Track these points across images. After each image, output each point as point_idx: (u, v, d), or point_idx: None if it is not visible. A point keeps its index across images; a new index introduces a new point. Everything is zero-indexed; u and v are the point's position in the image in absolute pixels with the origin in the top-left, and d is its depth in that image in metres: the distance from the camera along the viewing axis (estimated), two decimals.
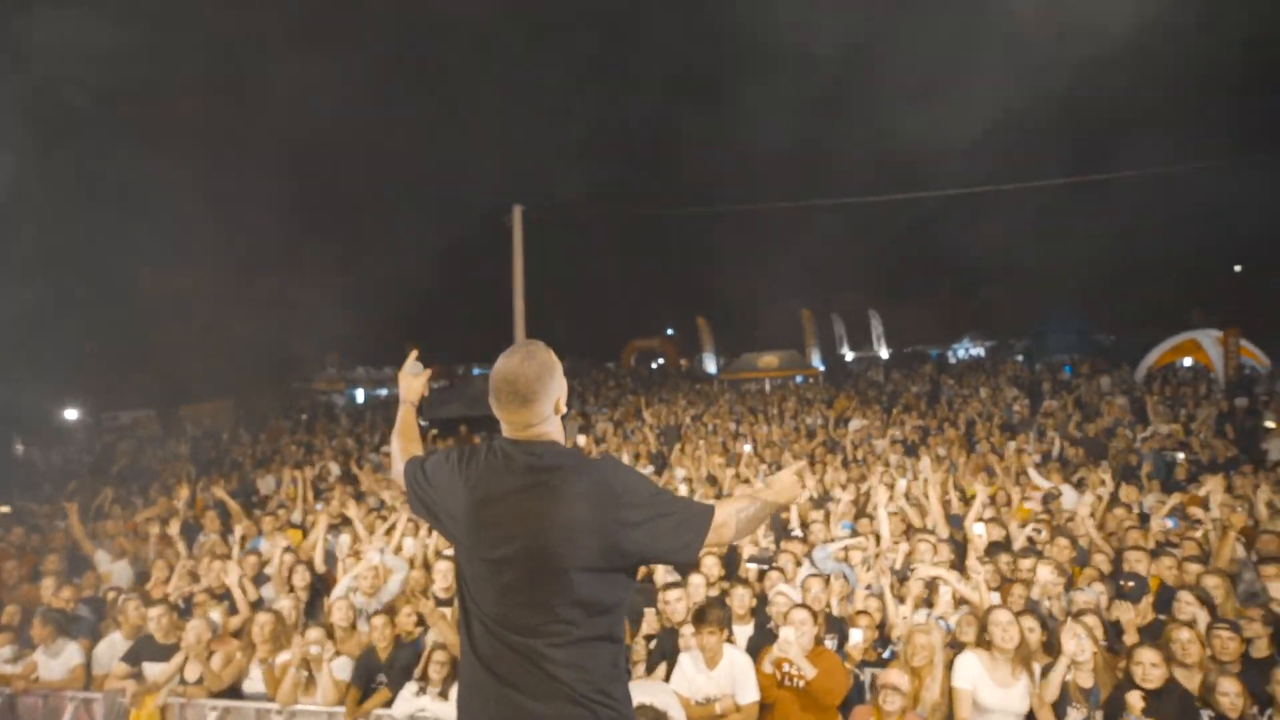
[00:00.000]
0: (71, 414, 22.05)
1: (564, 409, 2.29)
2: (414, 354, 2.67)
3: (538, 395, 2.19)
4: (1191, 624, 4.46)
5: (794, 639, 4.33)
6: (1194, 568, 5.66)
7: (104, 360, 23.58)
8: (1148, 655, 4.07)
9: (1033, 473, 9.62)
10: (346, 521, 8.32)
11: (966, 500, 8.95)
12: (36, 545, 8.78)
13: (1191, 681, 4.16)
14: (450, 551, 6.59)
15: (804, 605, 4.73)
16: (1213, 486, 7.61)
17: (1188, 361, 22.92)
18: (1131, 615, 4.99)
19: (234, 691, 5.40)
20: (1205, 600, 4.94)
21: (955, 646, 4.86)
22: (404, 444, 2.73)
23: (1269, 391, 17.27)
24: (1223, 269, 40.68)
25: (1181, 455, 11.98)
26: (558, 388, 2.26)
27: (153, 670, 5.50)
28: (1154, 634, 4.59)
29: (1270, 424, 13.77)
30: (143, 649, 5.62)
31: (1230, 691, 3.94)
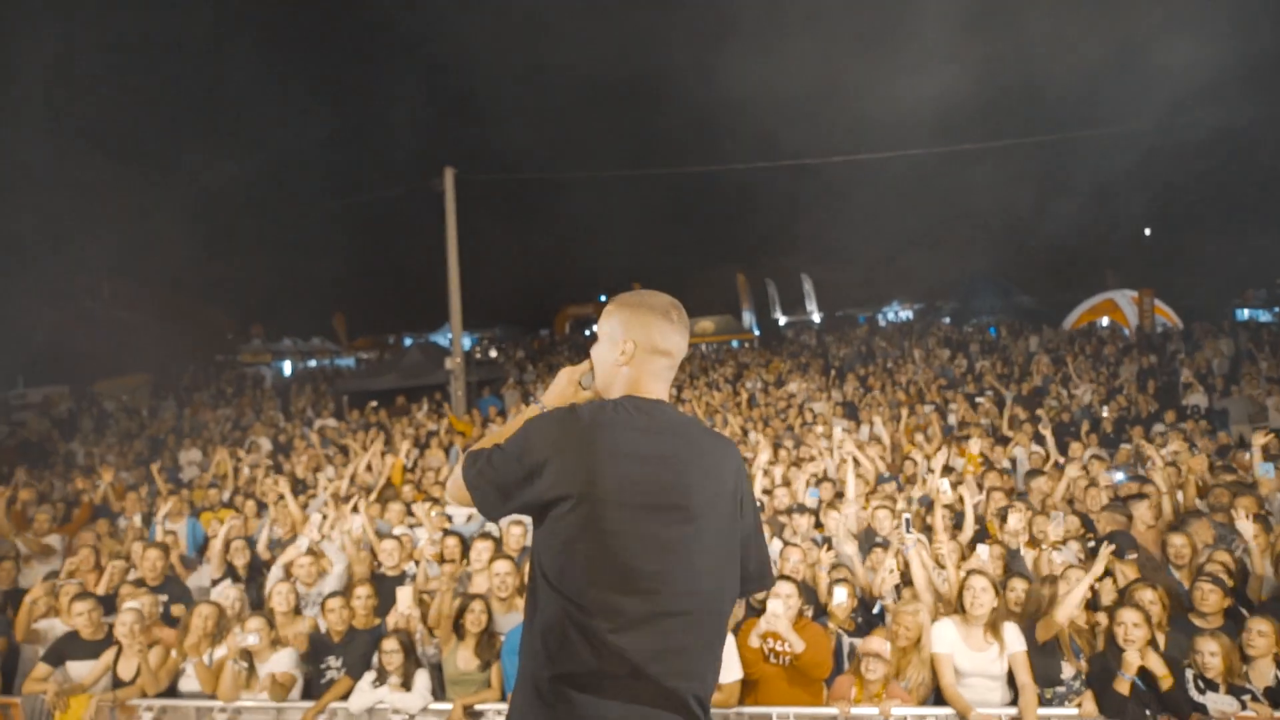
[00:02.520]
0: None
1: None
2: (588, 365, 2.09)
3: None
4: (1154, 585, 4.52)
5: (782, 612, 4.21)
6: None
7: (7, 336, 22.09)
8: (1130, 615, 4.08)
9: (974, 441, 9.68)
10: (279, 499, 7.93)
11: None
12: None
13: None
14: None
15: (787, 577, 4.61)
16: (1172, 439, 7.84)
17: (1105, 321, 23.85)
18: (1134, 574, 5.03)
19: (170, 689, 5.03)
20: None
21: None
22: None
23: (1181, 349, 18.02)
24: (1134, 232, 42.34)
25: (1106, 411, 12.39)
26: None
27: (79, 670, 5.08)
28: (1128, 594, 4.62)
29: (1188, 379, 14.36)
30: (66, 647, 5.18)
31: (1209, 650, 4.01)
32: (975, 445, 8.94)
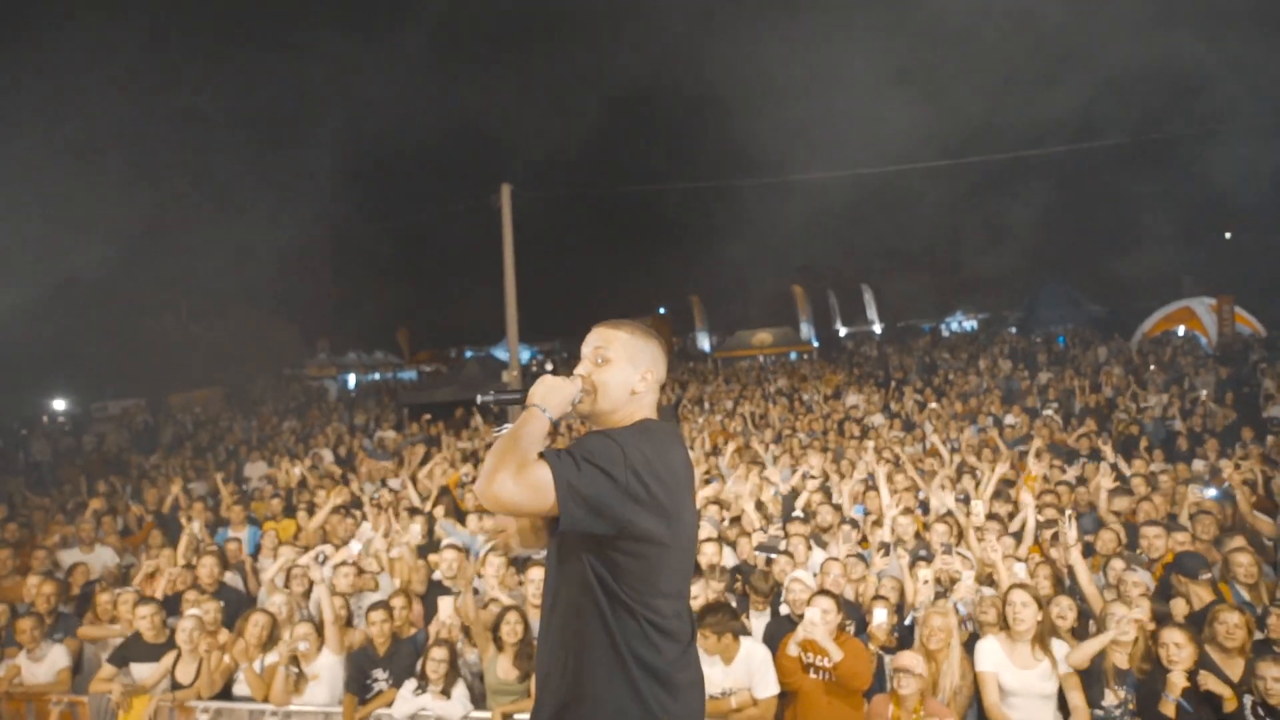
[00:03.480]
0: (60, 404, 21.70)
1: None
2: (581, 383, 2.11)
3: None
4: (1239, 608, 4.30)
5: (819, 620, 4.16)
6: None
7: (91, 350, 23.23)
8: (1173, 636, 3.91)
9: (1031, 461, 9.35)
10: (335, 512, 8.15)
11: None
12: (25, 540, 8.53)
13: (1232, 667, 4.01)
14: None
15: (826, 591, 4.54)
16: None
17: (1181, 330, 22.86)
18: (1209, 595, 4.82)
19: (225, 692, 5.20)
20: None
21: (974, 629, 4.71)
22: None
23: (1264, 358, 17.15)
24: (1214, 236, 40.58)
25: (1179, 424, 11.88)
26: None
27: (141, 671, 5.30)
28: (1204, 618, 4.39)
29: (1271, 389, 13.67)
30: (130, 649, 5.42)
31: (1272, 676, 3.80)
32: (1035, 465, 8.62)
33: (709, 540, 5.92)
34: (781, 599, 5.27)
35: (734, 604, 5.12)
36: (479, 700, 4.83)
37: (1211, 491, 7.49)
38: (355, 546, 6.29)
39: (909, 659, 4.20)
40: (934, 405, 14.14)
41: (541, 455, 1.86)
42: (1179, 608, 4.82)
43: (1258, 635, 4.37)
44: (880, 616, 4.88)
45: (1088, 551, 5.97)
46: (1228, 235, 40.64)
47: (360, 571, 6.15)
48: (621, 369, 2.08)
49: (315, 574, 5.38)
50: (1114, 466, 8.53)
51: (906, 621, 5.21)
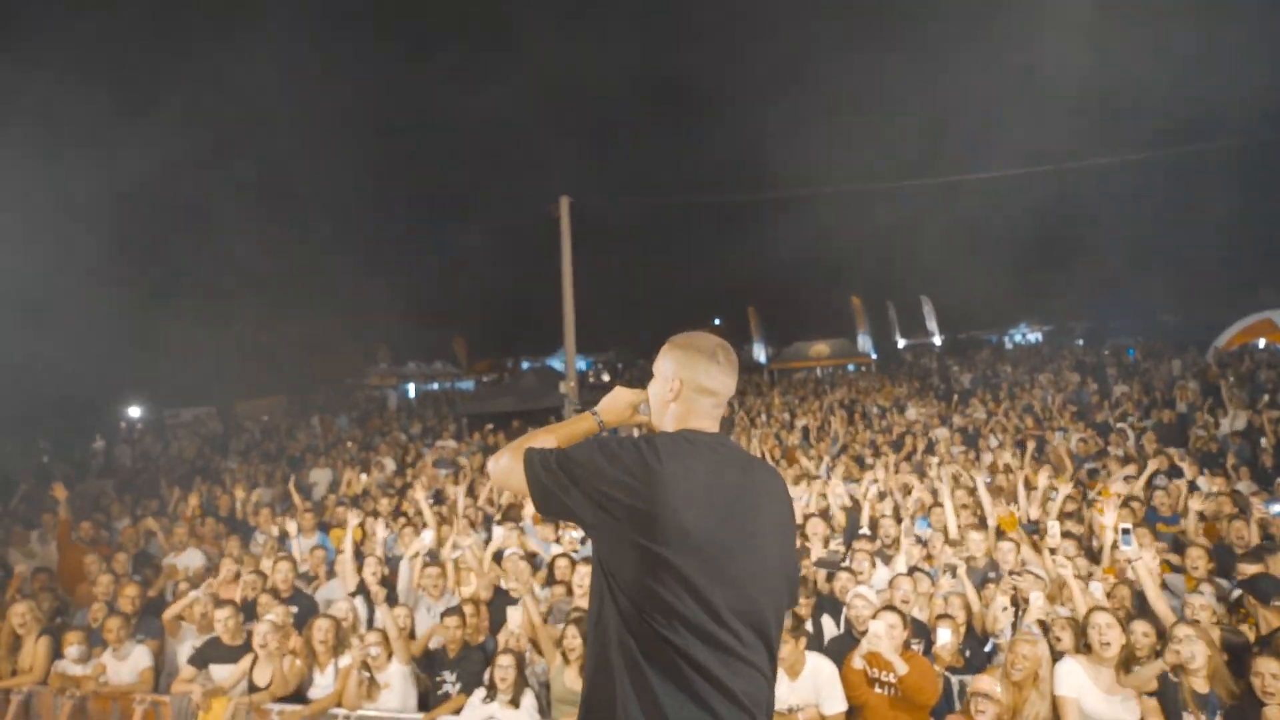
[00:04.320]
0: (135, 411, 22.59)
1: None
2: (646, 395, 2.25)
3: None
4: None
5: (883, 632, 4.11)
6: None
7: (162, 360, 24.14)
8: (1269, 666, 3.74)
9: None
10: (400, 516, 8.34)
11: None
12: (107, 541, 8.89)
13: None
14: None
15: (891, 607, 4.48)
16: None
17: (1261, 343, 21.90)
18: (1278, 622, 4.62)
19: (298, 696, 5.35)
20: None
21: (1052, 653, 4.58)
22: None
23: None
24: None
25: (1263, 441, 11.39)
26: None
27: (220, 673, 5.48)
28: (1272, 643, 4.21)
29: None
30: (209, 651, 5.61)
31: None
32: (1115, 483, 8.34)
33: None
34: (842, 614, 5.22)
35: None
36: (546, 710, 4.87)
37: (1276, 508, 7.18)
38: (427, 535, 6.44)
39: (986, 683, 4.10)
40: (999, 418, 13.82)
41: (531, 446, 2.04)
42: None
43: None
44: (945, 636, 4.79)
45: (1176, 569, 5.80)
46: None
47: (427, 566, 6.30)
48: (656, 382, 2.15)
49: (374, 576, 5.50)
50: (1193, 485, 8.24)
51: (987, 648, 5.09)
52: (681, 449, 1.94)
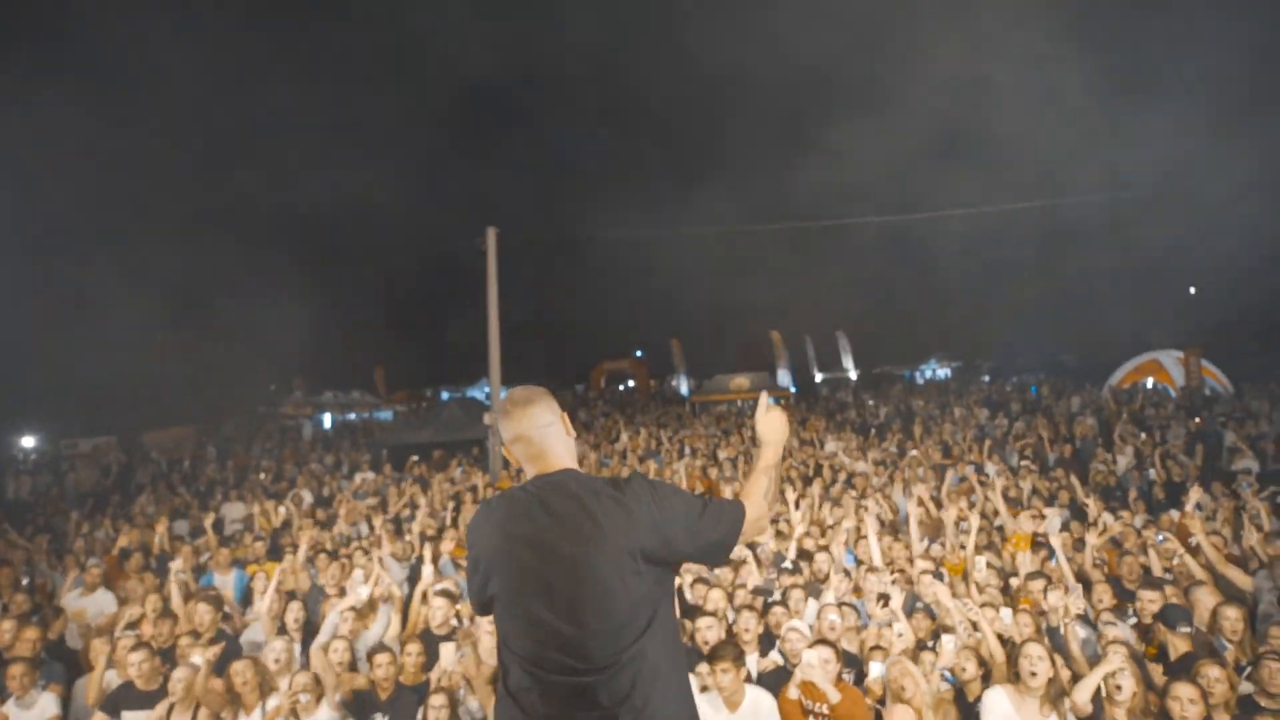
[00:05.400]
0: (29, 441, 21.26)
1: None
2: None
3: None
4: (1222, 662, 4.39)
5: (816, 662, 4.23)
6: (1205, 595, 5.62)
7: (59, 387, 22.90)
8: (1185, 691, 3.98)
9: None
10: (321, 554, 8.11)
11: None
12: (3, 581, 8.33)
13: None
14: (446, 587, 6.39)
15: (823, 640, 4.61)
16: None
17: (1150, 382, 23.35)
18: (1187, 647, 4.92)
19: None
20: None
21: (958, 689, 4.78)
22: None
23: (1227, 412, 17.55)
24: (1178, 291, 41.66)
25: (1153, 475, 12.14)
26: None
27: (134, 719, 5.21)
28: (1185, 668, 4.49)
29: (1236, 444, 14.01)
30: (122, 697, 5.32)
31: None
32: (1027, 524, 8.70)
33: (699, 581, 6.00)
34: (774, 648, 5.33)
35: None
36: None
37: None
38: (364, 591, 6.27)
39: (900, 713, 4.26)
40: (915, 453, 14.33)
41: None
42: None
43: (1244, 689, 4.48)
44: (877, 669, 4.96)
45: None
46: (1192, 290, 41.74)
47: (359, 615, 6.13)
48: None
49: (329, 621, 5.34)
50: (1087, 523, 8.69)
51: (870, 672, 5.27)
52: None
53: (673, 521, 2.12)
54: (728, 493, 11.45)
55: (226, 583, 8.06)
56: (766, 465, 2.42)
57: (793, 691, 4.40)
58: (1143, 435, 15.08)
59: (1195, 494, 9.00)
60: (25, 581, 8.35)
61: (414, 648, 5.43)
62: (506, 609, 2.14)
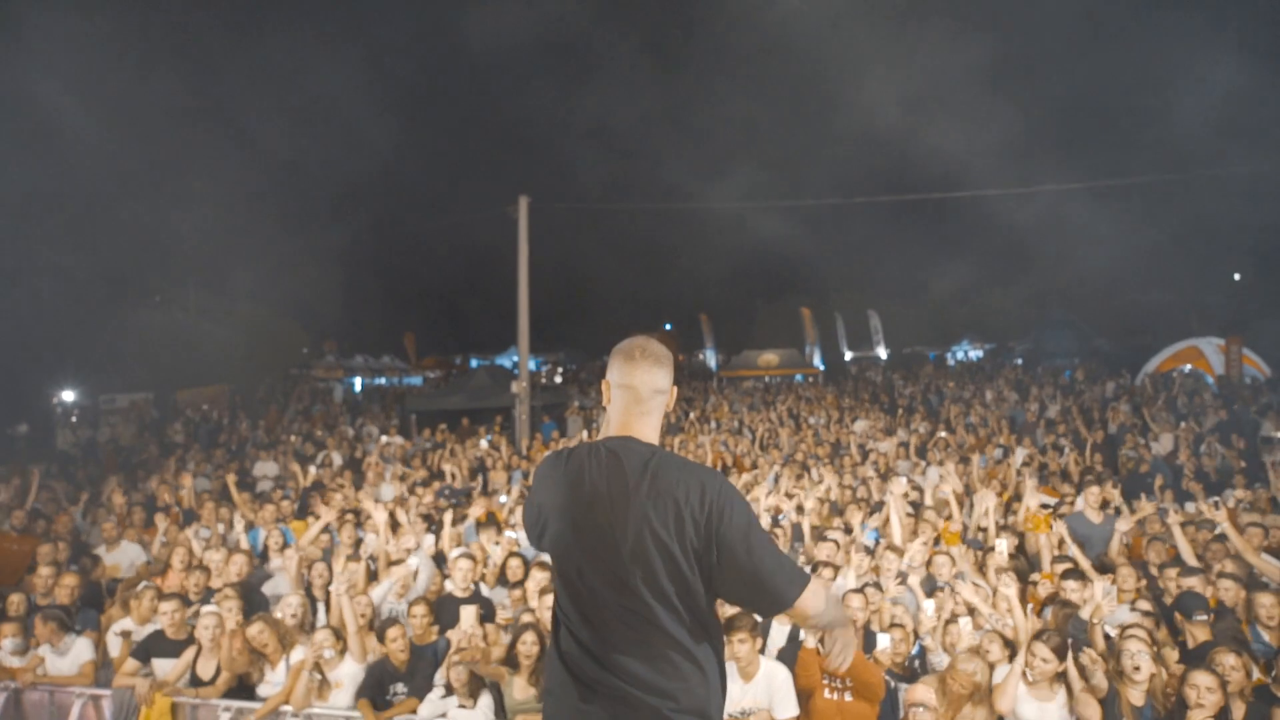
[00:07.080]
0: (69, 395, 21.73)
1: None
2: None
3: None
4: (1239, 650, 4.33)
5: None
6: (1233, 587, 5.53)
7: (100, 343, 23.35)
8: (1203, 679, 3.94)
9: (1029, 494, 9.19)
10: (350, 514, 8.23)
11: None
12: (42, 530, 8.59)
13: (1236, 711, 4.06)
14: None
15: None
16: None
17: (1187, 368, 22.83)
18: (1205, 635, 4.87)
19: (248, 693, 5.26)
20: None
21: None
22: None
23: (1269, 401, 17.14)
24: (1223, 277, 40.63)
25: (1186, 463, 11.93)
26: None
27: (163, 667, 5.36)
28: (1202, 656, 4.44)
29: (1271, 433, 13.71)
30: (152, 644, 5.48)
31: None
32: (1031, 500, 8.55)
33: None
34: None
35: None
36: (501, 711, 4.86)
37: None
38: (414, 561, 6.34)
39: (922, 693, 4.24)
40: (943, 435, 14.19)
41: None
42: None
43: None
44: (883, 642, 4.98)
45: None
46: (1236, 277, 40.68)
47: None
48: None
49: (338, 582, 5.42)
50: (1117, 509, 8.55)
51: (914, 650, 5.27)
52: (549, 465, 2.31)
53: (732, 532, 2.02)
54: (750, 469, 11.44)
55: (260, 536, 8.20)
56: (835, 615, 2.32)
57: (811, 641, 4.42)
58: (1181, 424, 14.79)
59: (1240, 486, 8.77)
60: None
61: (419, 609, 5.52)
62: (558, 567, 2.19)
